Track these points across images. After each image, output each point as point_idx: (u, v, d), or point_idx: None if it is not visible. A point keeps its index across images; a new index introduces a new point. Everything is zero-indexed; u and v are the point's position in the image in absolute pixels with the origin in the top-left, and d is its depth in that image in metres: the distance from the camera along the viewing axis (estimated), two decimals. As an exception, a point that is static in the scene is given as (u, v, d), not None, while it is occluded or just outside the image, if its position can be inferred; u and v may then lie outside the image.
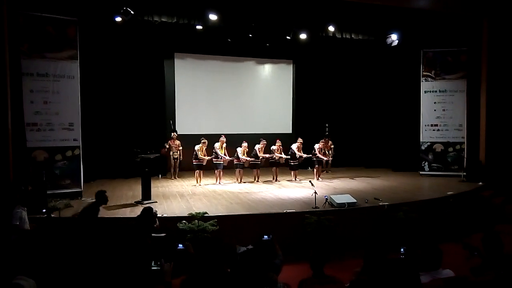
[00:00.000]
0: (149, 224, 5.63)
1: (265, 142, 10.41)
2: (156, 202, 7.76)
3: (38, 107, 7.87)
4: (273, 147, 10.47)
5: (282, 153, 10.47)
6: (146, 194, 7.79)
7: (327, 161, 11.69)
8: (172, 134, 10.88)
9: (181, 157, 10.83)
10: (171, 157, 10.80)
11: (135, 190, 9.04)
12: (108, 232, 5.74)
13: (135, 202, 7.71)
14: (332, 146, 11.69)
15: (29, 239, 4.65)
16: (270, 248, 4.03)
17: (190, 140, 10.89)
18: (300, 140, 10.66)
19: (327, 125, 12.02)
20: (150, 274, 2.88)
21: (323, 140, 10.88)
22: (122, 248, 4.76)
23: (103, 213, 6.90)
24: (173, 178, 10.85)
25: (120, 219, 6.63)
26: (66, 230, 5.84)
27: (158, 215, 6.66)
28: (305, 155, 10.59)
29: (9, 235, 4.62)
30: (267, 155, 10.37)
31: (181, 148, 10.82)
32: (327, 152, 11.13)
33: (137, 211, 7.06)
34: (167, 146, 10.72)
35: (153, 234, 5.96)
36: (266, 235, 4.20)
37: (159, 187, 9.62)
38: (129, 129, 10.95)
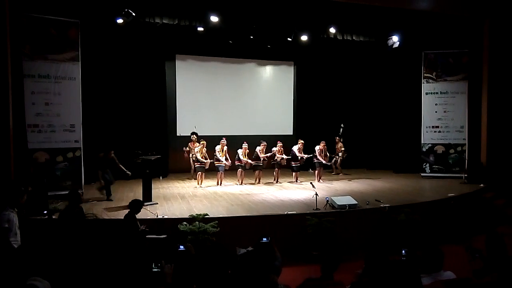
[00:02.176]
0: (132, 229, 5.65)
1: (265, 144, 10.40)
2: (157, 203, 7.76)
3: (40, 109, 7.89)
4: (274, 149, 10.47)
5: (283, 154, 10.47)
6: (147, 195, 7.81)
7: (335, 162, 11.71)
8: (192, 136, 10.81)
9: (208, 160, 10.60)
10: (191, 159, 10.72)
11: (136, 192, 9.03)
12: (103, 234, 5.74)
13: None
14: (343, 149, 11.70)
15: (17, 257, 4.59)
16: (269, 250, 4.02)
17: (185, 142, 10.90)
18: (301, 141, 10.66)
19: (342, 125, 11.98)
20: (150, 276, 2.88)
21: (323, 142, 10.87)
22: (113, 250, 4.75)
23: (104, 214, 6.92)
24: (193, 178, 10.67)
25: (121, 220, 6.60)
26: (67, 231, 5.84)
27: (158, 217, 6.68)
28: (305, 156, 10.56)
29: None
30: (268, 154, 10.37)
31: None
32: (328, 154, 11.13)
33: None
34: (187, 149, 10.64)
35: (152, 236, 5.96)
36: (264, 237, 4.19)
37: (160, 188, 9.62)
38: (130, 131, 10.96)
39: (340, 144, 11.75)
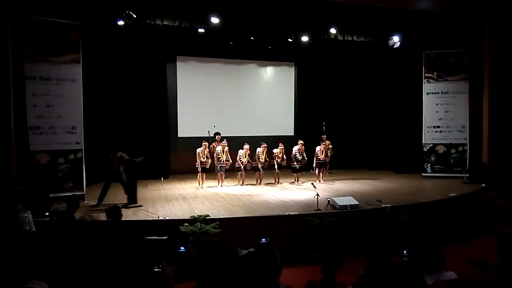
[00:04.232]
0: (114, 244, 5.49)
1: (266, 146, 10.39)
2: (142, 206, 7.61)
3: (41, 111, 7.91)
4: (275, 150, 10.45)
5: (284, 156, 10.45)
6: (132, 197, 7.69)
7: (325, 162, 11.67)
8: (217, 137, 10.72)
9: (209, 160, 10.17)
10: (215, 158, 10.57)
11: (138, 193, 9.06)
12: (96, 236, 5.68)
13: (120, 205, 7.30)
14: (331, 146, 11.57)
15: (38, 240, 4.68)
16: (269, 251, 4.03)
17: (192, 143, 10.91)
18: (301, 142, 10.64)
19: (324, 123, 11.93)
20: (151, 277, 2.88)
21: (324, 142, 10.86)
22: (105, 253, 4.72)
23: (102, 216, 6.91)
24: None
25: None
26: (68, 233, 5.84)
27: (160, 218, 6.68)
28: (305, 159, 10.50)
29: (20, 240, 4.63)
30: (266, 162, 10.31)
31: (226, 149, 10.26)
32: (329, 154, 11.12)
33: (139, 213, 7.08)
34: (211, 148, 10.37)
35: (154, 237, 5.97)
36: (263, 238, 4.20)
37: (161, 189, 9.63)
38: (132, 132, 10.97)
39: (327, 142, 11.62)
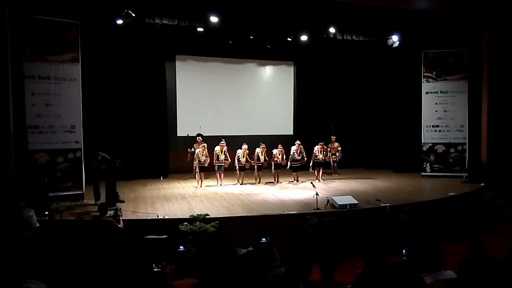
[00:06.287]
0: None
1: (264, 146, 10.38)
2: (121, 210, 7.49)
3: (40, 110, 7.90)
4: (275, 151, 10.44)
5: (284, 156, 10.44)
6: (111, 200, 7.53)
7: (333, 163, 11.69)
8: (198, 138, 10.75)
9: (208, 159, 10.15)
10: (195, 160, 10.57)
11: (137, 192, 9.08)
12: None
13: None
14: (339, 149, 11.69)
15: (39, 236, 4.73)
16: (268, 251, 4.03)
17: (191, 142, 10.92)
18: (297, 142, 10.63)
19: (332, 126, 11.99)
20: (151, 277, 2.88)
21: (321, 142, 10.86)
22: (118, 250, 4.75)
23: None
24: (194, 178, 10.50)
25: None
26: (68, 232, 5.85)
27: (159, 217, 6.68)
28: (304, 159, 10.52)
29: (22, 239, 4.67)
30: (265, 162, 10.33)
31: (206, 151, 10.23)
32: (329, 154, 11.13)
33: (138, 214, 7.07)
34: (192, 150, 10.46)
35: (153, 236, 5.97)
36: (264, 238, 4.20)
37: (160, 189, 9.63)
38: (131, 131, 10.97)
39: (336, 144, 11.71)
